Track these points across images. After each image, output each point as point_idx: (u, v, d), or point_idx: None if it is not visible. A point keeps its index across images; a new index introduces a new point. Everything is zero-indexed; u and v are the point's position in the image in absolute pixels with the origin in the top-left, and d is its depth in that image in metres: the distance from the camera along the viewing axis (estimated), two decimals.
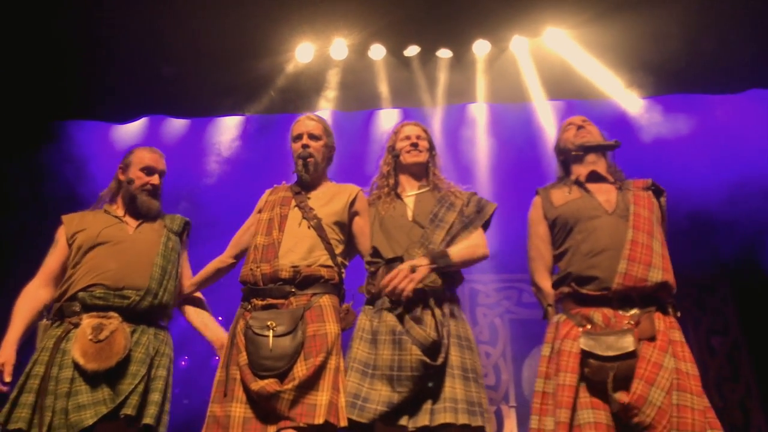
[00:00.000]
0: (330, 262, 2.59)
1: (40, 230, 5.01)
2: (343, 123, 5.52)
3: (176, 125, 5.72)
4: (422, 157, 2.84)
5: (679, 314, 2.47)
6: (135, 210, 2.88)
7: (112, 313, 2.55)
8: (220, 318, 2.97)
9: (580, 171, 2.77)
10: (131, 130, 5.72)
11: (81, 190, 5.04)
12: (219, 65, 5.09)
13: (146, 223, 2.87)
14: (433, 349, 2.30)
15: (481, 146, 5.52)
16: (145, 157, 2.91)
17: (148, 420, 2.43)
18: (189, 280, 2.90)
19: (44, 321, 2.63)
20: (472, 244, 2.64)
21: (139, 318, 2.63)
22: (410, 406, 2.26)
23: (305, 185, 2.80)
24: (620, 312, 2.41)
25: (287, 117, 5.34)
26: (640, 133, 5.21)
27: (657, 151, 5.00)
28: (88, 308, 2.57)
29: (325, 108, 5.31)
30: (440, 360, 2.29)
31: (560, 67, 5.00)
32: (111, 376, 2.45)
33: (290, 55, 5.12)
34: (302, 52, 5.09)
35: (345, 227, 2.73)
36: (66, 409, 2.36)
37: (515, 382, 4.76)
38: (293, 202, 2.73)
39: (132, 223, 2.85)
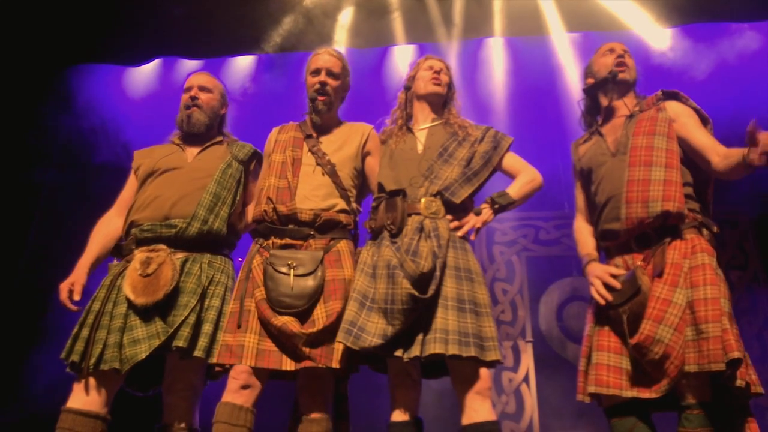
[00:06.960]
0: (347, 208, 2.60)
1: (57, 189, 5.07)
2: (356, 60, 5.42)
3: (189, 66, 5.65)
4: (442, 89, 2.77)
5: (715, 229, 2.34)
6: (190, 135, 2.88)
7: (160, 246, 2.57)
8: (240, 259, 3.00)
9: (603, 102, 2.70)
10: (144, 73, 5.68)
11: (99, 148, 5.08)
12: (230, 2, 4.99)
13: (209, 149, 2.87)
14: (422, 282, 2.29)
15: (498, 81, 5.40)
16: (188, 79, 2.98)
17: (198, 353, 2.44)
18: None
19: (113, 262, 2.68)
20: (526, 180, 2.62)
21: (190, 246, 2.62)
22: (404, 337, 2.28)
23: (316, 126, 2.77)
24: (637, 253, 2.39)
25: (300, 55, 5.25)
26: (663, 65, 5.05)
27: (680, 84, 4.86)
28: (140, 243, 2.61)
29: (338, 45, 5.20)
30: (430, 293, 2.28)
31: None
32: (163, 309, 2.46)
33: None
34: None
35: (359, 171, 2.72)
36: (120, 344, 2.38)
37: (532, 318, 4.80)
38: (305, 146, 2.70)
39: (193, 150, 2.86)
